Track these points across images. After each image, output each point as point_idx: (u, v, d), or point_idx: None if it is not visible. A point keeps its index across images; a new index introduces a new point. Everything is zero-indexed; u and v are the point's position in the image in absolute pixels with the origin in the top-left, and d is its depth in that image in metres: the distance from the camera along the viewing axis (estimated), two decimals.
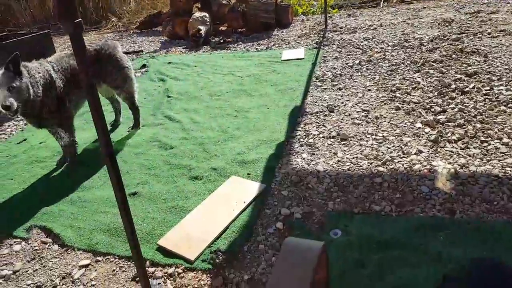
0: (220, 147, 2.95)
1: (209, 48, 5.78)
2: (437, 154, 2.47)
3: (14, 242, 2.24)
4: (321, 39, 5.36)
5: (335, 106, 3.32)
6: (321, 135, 2.90)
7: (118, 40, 6.98)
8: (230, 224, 2.12)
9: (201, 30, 5.89)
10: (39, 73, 2.58)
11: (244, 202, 2.26)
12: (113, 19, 8.42)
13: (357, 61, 4.26)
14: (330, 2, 7.13)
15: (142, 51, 6.04)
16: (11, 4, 8.42)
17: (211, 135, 3.15)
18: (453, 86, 3.29)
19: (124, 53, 3.26)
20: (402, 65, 3.98)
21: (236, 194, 2.35)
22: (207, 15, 6.23)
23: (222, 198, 2.34)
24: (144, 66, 5.21)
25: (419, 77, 3.61)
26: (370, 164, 2.48)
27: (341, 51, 4.72)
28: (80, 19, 1.28)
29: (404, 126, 2.85)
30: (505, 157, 2.35)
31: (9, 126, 3.89)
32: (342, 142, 2.77)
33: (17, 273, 2.02)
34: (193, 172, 2.67)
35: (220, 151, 2.89)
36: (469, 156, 2.42)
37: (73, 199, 2.53)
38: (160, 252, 2.01)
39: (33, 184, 2.79)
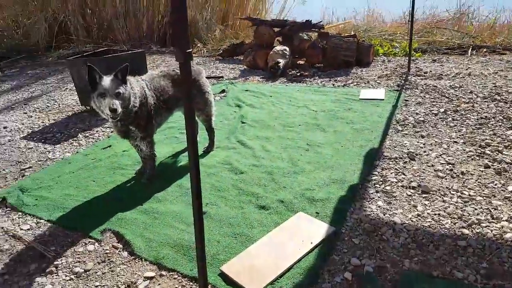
0: (289, 179, 2.92)
1: (285, 80, 5.88)
2: None
3: (89, 242, 2.37)
4: (403, 82, 5.20)
5: (416, 154, 3.15)
6: (399, 184, 2.75)
7: (202, 65, 7.38)
8: (295, 264, 2.05)
9: (280, 62, 6.03)
10: (137, 87, 2.78)
11: (312, 243, 2.18)
12: (199, 45, 8.95)
13: (442, 109, 4.05)
14: (413, 45, 6.95)
15: (222, 77, 6.30)
16: (113, 22, 9.33)
17: (280, 166, 3.14)
18: None
19: (206, 77, 3.42)
20: (492, 119, 3.70)
21: (303, 232, 2.28)
22: (288, 49, 6.37)
23: (288, 234, 2.28)
24: (223, 91, 5.43)
25: None
26: (454, 224, 2.28)
27: (424, 96, 4.53)
28: (191, 49, 1.36)
29: (494, 187, 2.61)
30: None
31: (97, 131, 4.22)
32: (423, 195, 2.60)
33: (87, 272, 2.12)
34: (260, 201, 2.66)
35: (289, 183, 2.86)
36: None
37: (146, 209, 2.64)
38: (221, 278, 1.99)
39: (113, 189, 2.96)
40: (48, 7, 8.79)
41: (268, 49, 6.58)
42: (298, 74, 6.11)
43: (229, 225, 2.43)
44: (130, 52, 4.86)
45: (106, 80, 2.54)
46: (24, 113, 5.01)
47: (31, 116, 4.85)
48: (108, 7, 9.07)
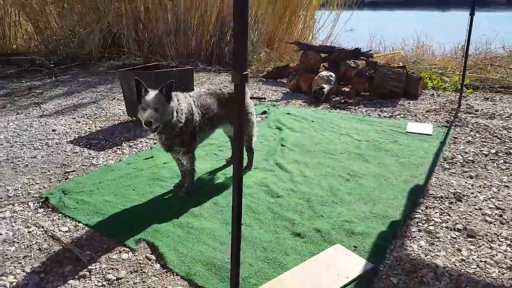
0: (327, 208, 2.85)
1: (328, 106, 5.83)
2: None
3: (123, 250, 2.40)
4: (452, 118, 5.01)
5: (463, 195, 2.99)
6: (444, 225, 2.61)
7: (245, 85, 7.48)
8: None
9: (324, 88, 6.00)
10: (184, 103, 2.85)
11: (347, 278, 2.09)
12: None
13: (493, 151, 3.84)
14: (465, 81, 6.72)
15: (265, 98, 6.35)
16: (163, 38, 9.72)
17: (319, 193, 3.07)
18: None
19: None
20: None
21: (340, 266, 2.19)
22: (333, 75, 6.35)
23: (324, 265, 2.20)
24: (264, 112, 5.45)
25: None
26: (502, 274, 2.12)
27: (474, 135, 4.33)
28: (248, 72, 1.37)
29: None
30: None
31: (141, 142, 4.34)
32: (469, 239, 2.45)
33: (119, 281, 2.13)
34: (296, 228, 2.60)
35: (327, 213, 2.78)
36: None
37: (182, 223, 2.65)
38: None
39: (151, 199, 3.01)
40: (105, 19, 9.30)
41: (313, 73, 6.59)
42: (342, 101, 6.05)
43: (262, 249, 2.38)
44: (179, 68, 5.01)
45: (150, 94, 2.61)
46: (72, 118, 5.23)
47: (79, 122, 5.06)
48: (161, 23, 9.47)
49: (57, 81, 7.66)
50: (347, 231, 2.55)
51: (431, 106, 5.64)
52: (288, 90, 6.88)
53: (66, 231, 2.59)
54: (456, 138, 4.28)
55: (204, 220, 2.69)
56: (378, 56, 8.52)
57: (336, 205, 2.90)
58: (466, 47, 5.34)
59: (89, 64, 9.27)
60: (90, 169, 3.59)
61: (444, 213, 2.76)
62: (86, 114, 5.41)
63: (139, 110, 2.66)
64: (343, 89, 6.54)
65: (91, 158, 3.84)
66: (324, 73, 6.37)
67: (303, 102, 6.09)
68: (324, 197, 3.02)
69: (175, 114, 2.72)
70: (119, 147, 4.17)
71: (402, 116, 5.25)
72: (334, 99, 6.16)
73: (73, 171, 3.54)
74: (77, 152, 4.01)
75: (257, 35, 10.07)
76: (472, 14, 5.02)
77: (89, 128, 4.79)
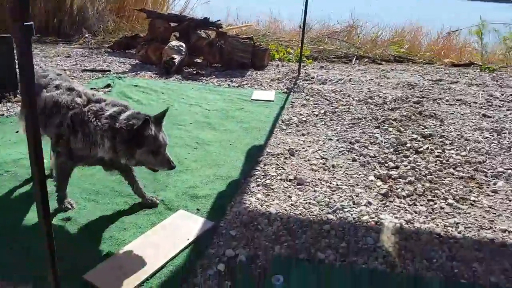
0: (173, 178, 2.84)
1: (180, 77, 5.77)
2: (385, 208, 2.53)
3: None
4: (292, 85, 5.50)
5: (296, 151, 3.35)
6: (278, 177, 2.90)
7: (87, 57, 6.85)
8: (168, 262, 1.98)
9: (175, 58, 5.90)
10: None
11: (188, 239, 2.14)
12: (86, 35, 8.29)
13: (322, 111, 4.37)
14: (305, 52, 7.39)
15: (109, 70, 5.92)
16: None
17: None
18: (408, 145, 3.44)
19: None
20: (363, 120, 4.11)
21: (181, 230, 2.23)
22: (184, 45, 6.27)
23: (165, 233, 2.21)
24: (108, 85, 5.08)
25: (378, 133, 3.75)
26: (321, 210, 2.48)
27: (309, 99, 4.85)
28: (32, 22, 1.17)
29: (358, 177, 2.91)
30: (448, 217, 2.44)
31: None
32: (298, 186, 2.78)
33: None
34: (138, 201, 2.52)
35: (172, 182, 2.78)
36: (416, 212, 2.49)
37: None
38: None
39: None
40: None
41: (163, 44, 6.39)
42: (195, 72, 6.05)
43: (99, 230, 2.23)
44: None
45: None
46: None
47: None
48: None
49: None
50: (191, 196, 2.60)
51: (275, 76, 6.09)
52: (137, 61, 6.56)
53: None
54: (293, 102, 4.73)
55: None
56: (232, 28, 8.71)
57: (182, 173, 2.91)
58: (303, 21, 5.86)
59: None
60: None
61: (279, 167, 3.05)
62: None
63: None
64: (195, 60, 6.54)
65: None
66: (174, 43, 6.24)
67: (153, 73, 5.89)
68: None
69: None
70: None
71: (249, 85, 5.54)
72: (186, 70, 6.12)
73: None
74: None
75: (104, 2, 9.26)
76: None
77: None
